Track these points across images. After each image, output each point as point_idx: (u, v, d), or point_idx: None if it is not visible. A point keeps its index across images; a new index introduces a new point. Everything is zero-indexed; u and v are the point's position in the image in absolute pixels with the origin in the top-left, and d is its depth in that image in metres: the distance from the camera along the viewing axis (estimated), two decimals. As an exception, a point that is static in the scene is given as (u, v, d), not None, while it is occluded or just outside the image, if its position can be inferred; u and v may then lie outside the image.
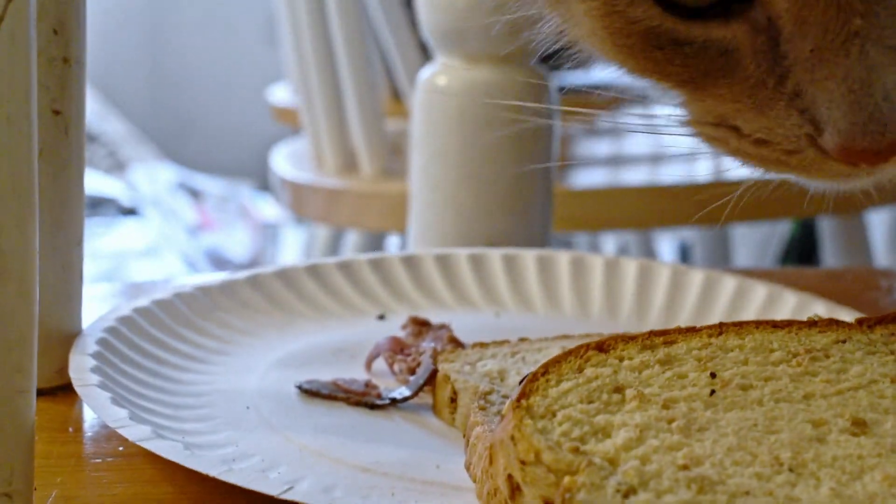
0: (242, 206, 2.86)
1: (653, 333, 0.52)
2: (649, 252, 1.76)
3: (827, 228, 1.52)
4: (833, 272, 1.04)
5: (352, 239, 1.67)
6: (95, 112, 2.80)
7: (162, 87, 3.08)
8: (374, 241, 1.64)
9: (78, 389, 0.57)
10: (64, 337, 0.62)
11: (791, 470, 0.43)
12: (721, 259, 1.75)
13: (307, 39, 1.45)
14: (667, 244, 2.31)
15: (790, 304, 0.74)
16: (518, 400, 0.46)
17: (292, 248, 2.63)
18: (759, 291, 0.75)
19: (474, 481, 0.49)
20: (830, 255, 1.52)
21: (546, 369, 0.49)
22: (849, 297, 0.83)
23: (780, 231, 2.20)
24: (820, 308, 0.72)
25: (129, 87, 3.03)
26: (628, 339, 0.51)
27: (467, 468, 0.50)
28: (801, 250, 2.19)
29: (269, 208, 2.81)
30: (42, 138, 0.58)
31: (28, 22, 0.43)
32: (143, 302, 0.69)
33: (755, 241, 2.22)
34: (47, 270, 0.61)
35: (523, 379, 0.48)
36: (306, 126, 1.52)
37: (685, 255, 2.25)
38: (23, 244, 0.44)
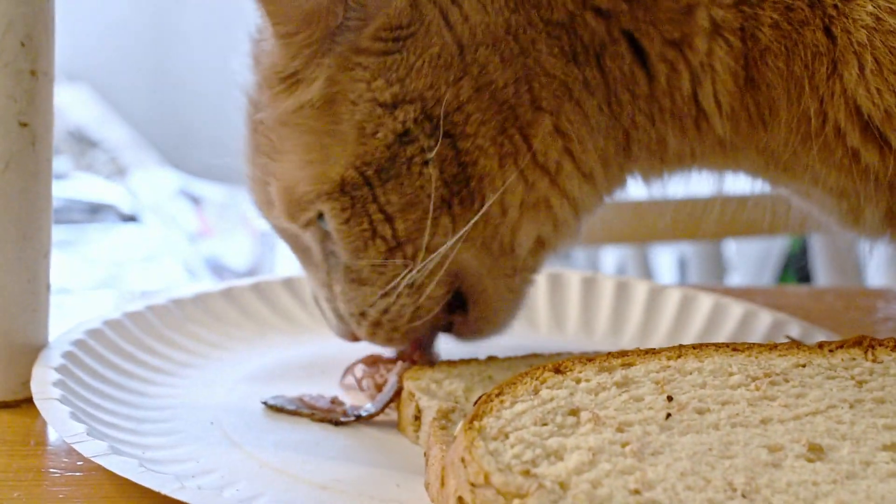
0: (242, 213, 2.85)
1: (611, 355, 0.52)
2: (647, 266, 1.75)
3: (817, 246, 1.52)
4: (815, 291, 1.03)
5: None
6: (96, 118, 2.80)
7: (163, 92, 3.08)
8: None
9: (37, 403, 0.57)
10: (30, 349, 0.62)
11: (744, 496, 0.43)
12: (718, 275, 1.74)
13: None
14: (665, 259, 2.29)
15: (765, 324, 0.73)
16: (471, 421, 0.46)
17: (291, 258, 2.61)
18: (736, 310, 0.75)
19: (433, 501, 0.48)
20: (822, 272, 1.51)
21: (501, 390, 0.48)
22: (829, 316, 0.82)
23: (778, 247, 2.18)
24: (794, 329, 0.71)
25: (130, 92, 3.02)
26: (586, 360, 0.51)
27: (427, 487, 0.50)
28: (800, 266, 2.18)
29: (268, 217, 2.79)
30: (9, 150, 0.58)
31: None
32: (113, 314, 0.68)
33: (753, 256, 2.21)
34: (13, 282, 0.60)
35: (477, 400, 0.48)
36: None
37: (683, 270, 2.24)
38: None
